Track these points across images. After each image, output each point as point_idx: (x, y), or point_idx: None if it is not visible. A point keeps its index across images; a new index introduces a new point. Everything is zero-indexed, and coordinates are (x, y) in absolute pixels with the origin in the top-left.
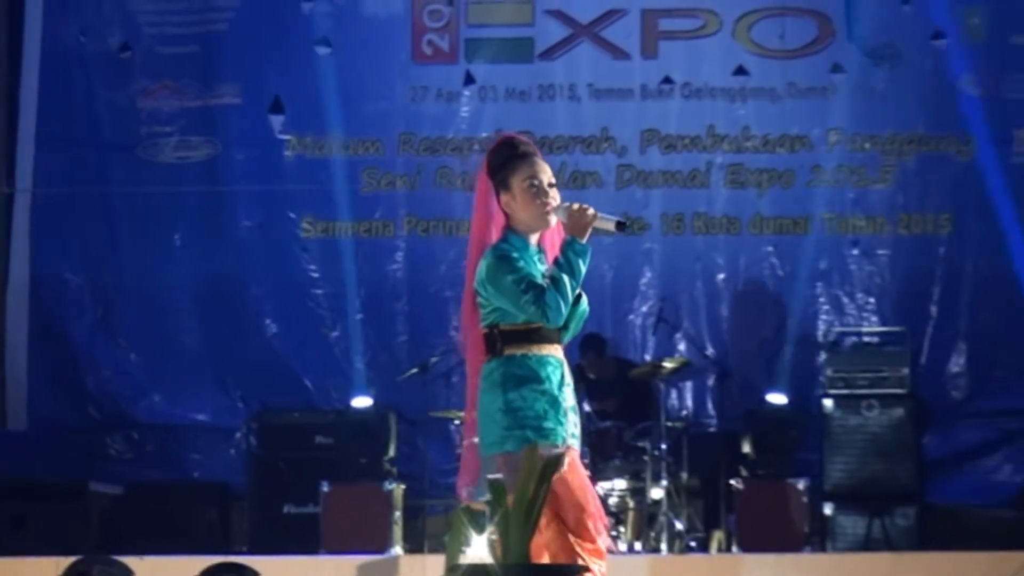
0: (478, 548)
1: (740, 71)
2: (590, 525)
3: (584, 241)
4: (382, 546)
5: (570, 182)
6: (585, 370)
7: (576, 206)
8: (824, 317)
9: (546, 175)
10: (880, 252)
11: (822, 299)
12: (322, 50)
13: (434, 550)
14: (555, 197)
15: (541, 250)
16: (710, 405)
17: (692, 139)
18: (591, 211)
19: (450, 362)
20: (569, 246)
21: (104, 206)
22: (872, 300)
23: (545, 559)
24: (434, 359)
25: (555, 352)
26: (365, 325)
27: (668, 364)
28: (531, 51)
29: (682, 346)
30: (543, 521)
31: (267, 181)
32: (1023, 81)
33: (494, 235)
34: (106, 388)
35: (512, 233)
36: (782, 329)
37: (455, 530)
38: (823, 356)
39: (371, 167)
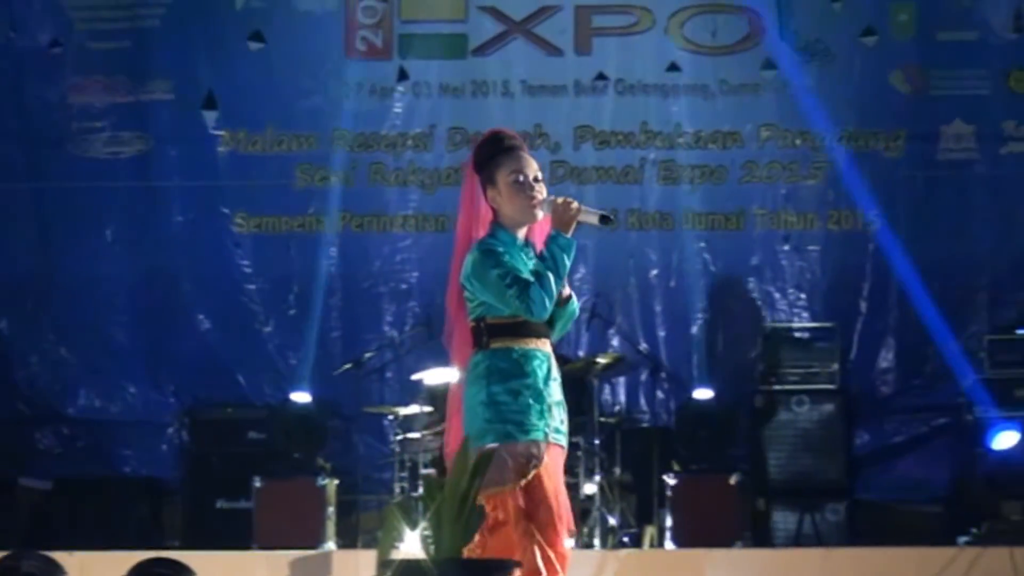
0: (411, 543)
1: (673, 68)
2: (559, 528)
3: (569, 235)
4: (315, 541)
5: None
6: None
7: (560, 200)
8: (755, 313)
9: (531, 169)
10: (811, 248)
11: (754, 294)
12: (255, 46)
13: (367, 545)
14: (541, 191)
15: (530, 245)
16: (643, 400)
17: (625, 135)
18: (575, 204)
19: (384, 358)
20: (553, 240)
21: (35, 201)
22: (803, 296)
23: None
24: (368, 355)
25: (542, 346)
26: (299, 320)
27: (601, 360)
28: (465, 47)
29: (615, 341)
30: (511, 519)
31: (200, 176)
32: (950, 78)
33: (481, 230)
34: (36, 383)
35: (499, 228)
36: (714, 324)
37: (388, 525)
38: (754, 351)
39: (305, 163)
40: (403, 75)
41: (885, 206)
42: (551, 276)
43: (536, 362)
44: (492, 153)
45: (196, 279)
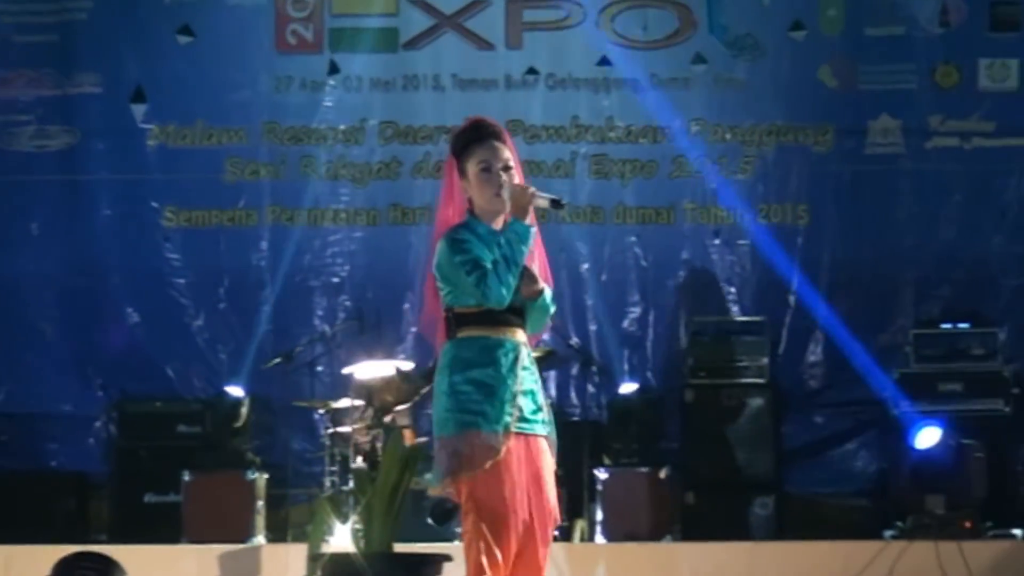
0: (341, 537)
1: (604, 62)
2: (511, 523)
3: (526, 222)
4: (244, 535)
5: (435, 172)
6: None
7: (517, 185)
8: (686, 307)
9: (500, 158)
10: (741, 242)
11: (684, 289)
12: (184, 39)
13: (297, 539)
14: (512, 180)
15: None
16: (574, 394)
17: (556, 129)
18: (531, 190)
19: (314, 351)
20: (510, 227)
21: None
22: (733, 290)
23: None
24: (298, 348)
25: (511, 335)
26: (229, 314)
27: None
28: (396, 41)
29: (546, 335)
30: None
31: (128, 170)
32: (878, 73)
33: (458, 220)
34: None
35: (472, 217)
36: (645, 318)
37: (318, 519)
38: (685, 345)
39: (235, 156)
40: (334, 69)
41: (813, 200)
42: (506, 263)
43: (502, 351)
44: (466, 143)
45: (124, 273)
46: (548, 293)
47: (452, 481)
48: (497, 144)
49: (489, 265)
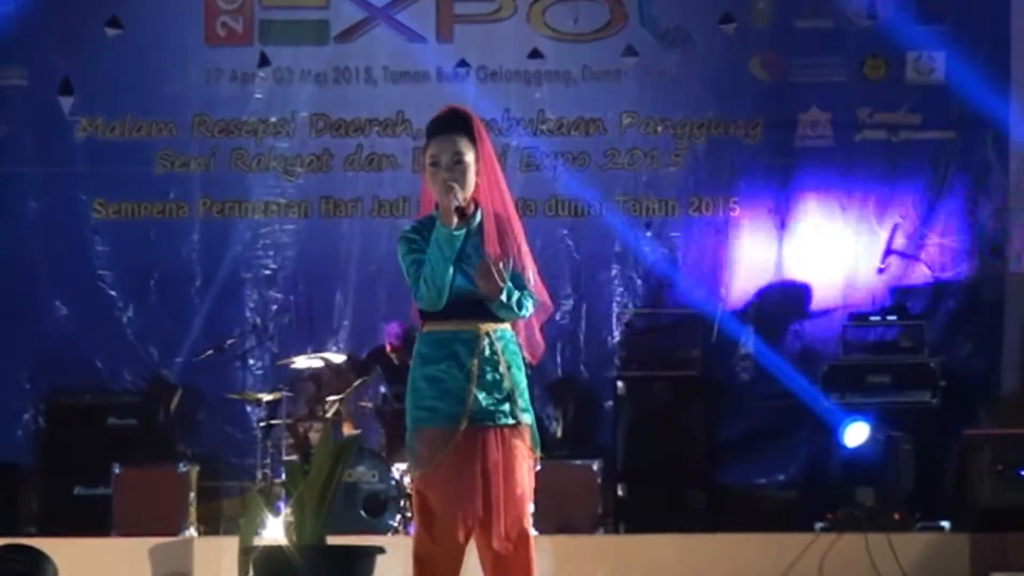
0: (273, 530)
1: (535, 54)
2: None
3: (449, 224)
4: (176, 528)
5: (367, 164)
6: (389, 353)
7: (446, 184)
8: (618, 299)
9: (447, 152)
10: (673, 234)
11: (616, 281)
12: (112, 31)
13: (229, 532)
14: (461, 172)
15: (476, 231)
16: None
17: (488, 122)
18: (454, 190)
19: (246, 344)
20: (437, 230)
21: None
22: (665, 282)
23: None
24: (230, 341)
25: (471, 327)
26: (159, 307)
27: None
28: (327, 33)
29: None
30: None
31: (56, 163)
32: (807, 66)
33: (426, 213)
34: None
35: (437, 211)
36: (577, 311)
37: (250, 512)
38: (617, 338)
39: (165, 148)
40: (264, 61)
41: (744, 193)
42: (430, 267)
43: (458, 344)
44: (427, 136)
45: (52, 266)
46: (507, 296)
47: (412, 477)
48: (453, 137)
49: (420, 259)
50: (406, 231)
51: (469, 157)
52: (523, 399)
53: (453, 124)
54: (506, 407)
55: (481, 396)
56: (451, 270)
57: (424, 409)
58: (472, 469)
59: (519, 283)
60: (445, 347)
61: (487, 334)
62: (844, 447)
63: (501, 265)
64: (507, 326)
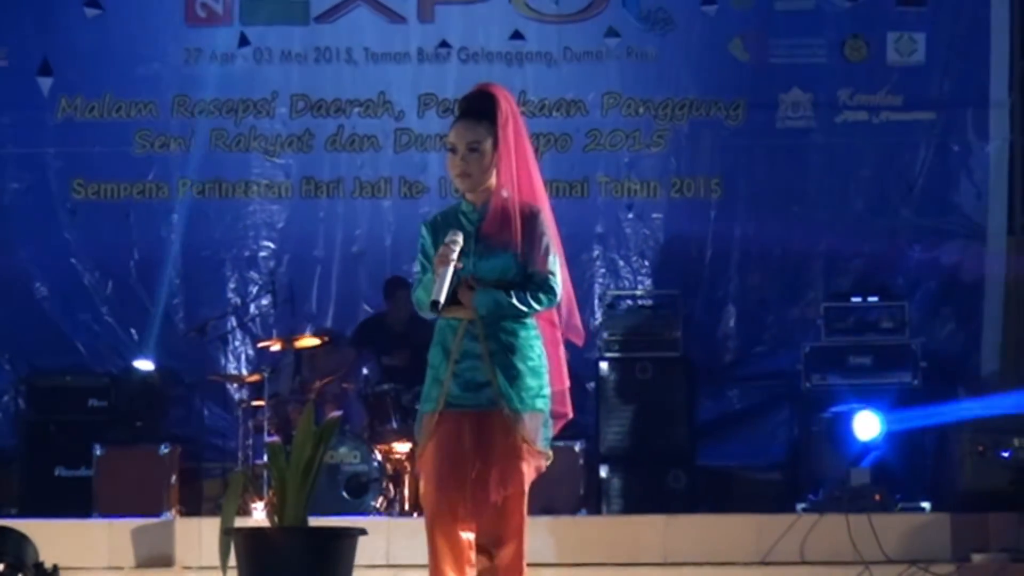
0: (255, 511)
1: (517, 35)
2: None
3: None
4: (157, 509)
5: (348, 145)
6: (386, 318)
7: (445, 248)
8: (600, 280)
9: (463, 139)
10: (654, 216)
11: (598, 262)
12: (92, 12)
13: (211, 513)
14: (474, 161)
15: (482, 215)
16: None
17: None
18: (449, 269)
19: (227, 325)
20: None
21: None
22: (647, 263)
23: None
24: (211, 322)
25: (460, 313)
26: (139, 288)
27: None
28: (307, 13)
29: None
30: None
31: (35, 144)
32: (789, 47)
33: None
34: None
35: (461, 196)
36: None
37: (232, 493)
38: (599, 319)
39: (144, 129)
40: (244, 41)
41: (726, 174)
42: (424, 288)
43: (447, 331)
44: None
45: (32, 247)
46: (475, 306)
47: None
48: (472, 123)
49: (422, 277)
50: (425, 224)
51: (486, 145)
52: (517, 387)
53: (477, 108)
54: (485, 393)
55: (456, 381)
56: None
57: (424, 395)
58: (449, 453)
59: (522, 274)
60: (439, 333)
61: (471, 321)
62: (825, 426)
63: (452, 255)
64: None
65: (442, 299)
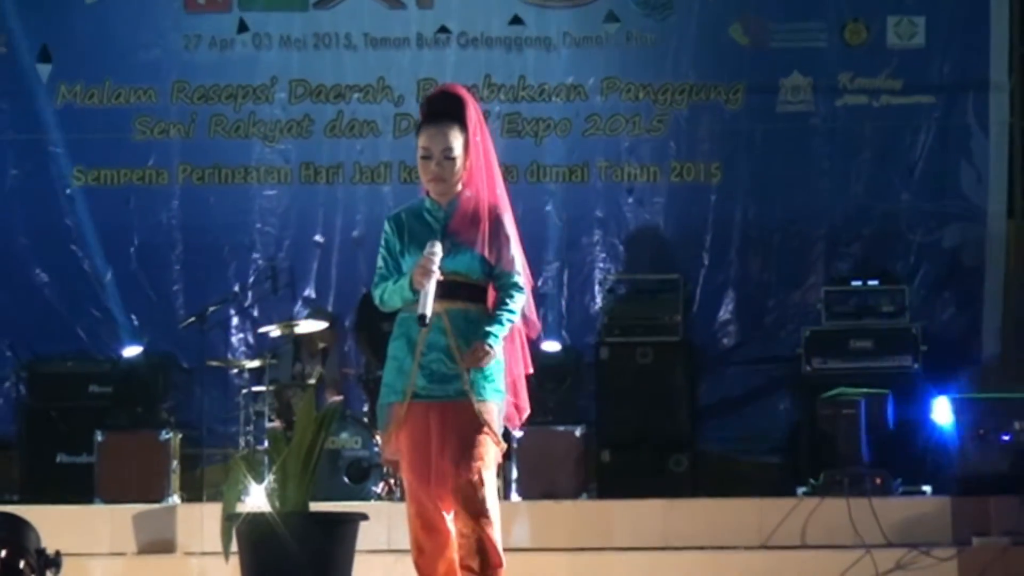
0: (256, 497)
1: (516, 20)
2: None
3: (418, 289)
4: (159, 495)
5: (347, 131)
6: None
7: (426, 261)
8: (600, 265)
9: (437, 146)
10: (655, 200)
11: (598, 247)
12: None
13: (212, 499)
14: (449, 167)
15: (449, 213)
16: None
17: (469, 89)
18: (431, 283)
19: (228, 311)
20: (408, 282)
21: None
22: (646, 248)
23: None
24: (212, 308)
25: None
26: (139, 274)
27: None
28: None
29: None
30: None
31: (35, 130)
32: (788, 31)
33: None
34: None
35: (425, 195)
36: (559, 277)
37: (233, 479)
38: (599, 303)
39: (144, 115)
40: (243, 27)
41: (726, 158)
42: (387, 291)
43: (411, 323)
44: (421, 119)
45: (32, 233)
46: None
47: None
48: (444, 128)
49: (384, 273)
50: (389, 220)
51: (458, 149)
52: (483, 378)
53: (445, 111)
54: (453, 385)
55: (422, 373)
56: (403, 305)
57: (386, 385)
58: (419, 442)
59: (487, 271)
60: (402, 326)
61: (437, 314)
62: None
63: (432, 266)
64: (468, 305)
65: (428, 312)
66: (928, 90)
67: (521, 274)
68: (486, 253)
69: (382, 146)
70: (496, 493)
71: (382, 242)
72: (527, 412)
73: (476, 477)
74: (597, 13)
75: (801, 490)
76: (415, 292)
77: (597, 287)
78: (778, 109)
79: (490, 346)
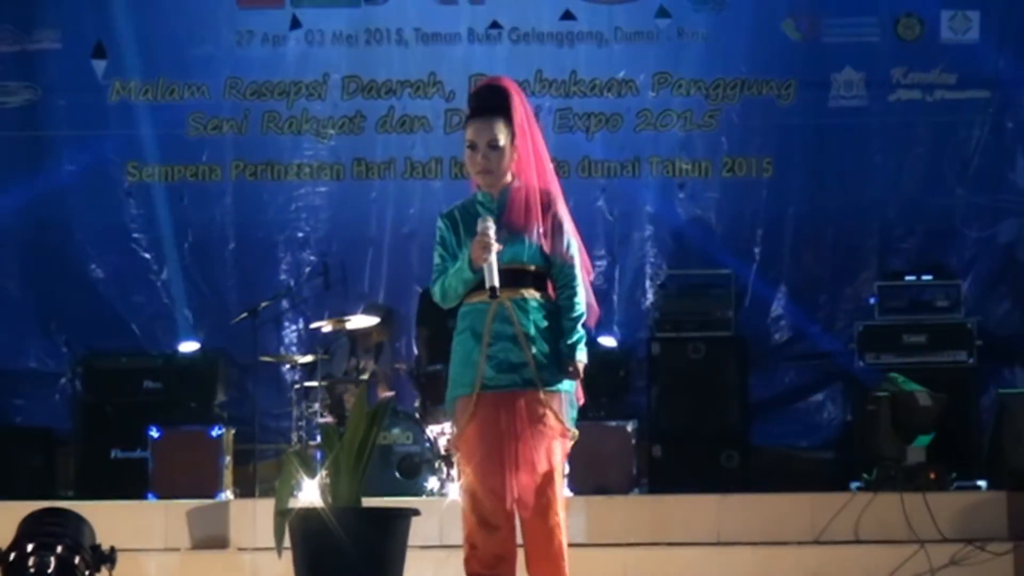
0: (308, 492)
1: (568, 16)
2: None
3: (475, 271)
4: (212, 491)
5: (398, 126)
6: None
7: (479, 237)
8: (652, 260)
9: (482, 136)
10: (706, 195)
11: (650, 242)
12: None
13: (265, 495)
14: (496, 159)
15: (501, 204)
16: None
17: (520, 84)
18: (491, 258)
19: (280, 307)
20: (467, 264)
21: None
22: (698, 243)
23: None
24: (264, 304)
25: (486, 297)
26: (193, 270)
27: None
28: None
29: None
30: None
31: (90, 126)
32: (840, 26)
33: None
34: None
35: (480, 194)
36: (611, 272)
37: (286, 474)
38: (651, 299)
39: (197, 111)
40: (296, 23)
41: (778, 153)
42: (447, 283)
43: (476, 315)
44: (468, 113)
45: (88, 229)
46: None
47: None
48: (489, 120)
49: (446, 266)
50: (443, 217)
51: (504, 140)
52: (550, 367)
53: (490, 104)
54: (521, 373)
55: (490, 364)
56: (467, 290)
57: (452, 379)
58: (490, 435)
59: (542, 260)
60: (465, 319)
61: (500, 304)
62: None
63: (490, 240)
64: (530, 294)
65: (497, 283)
66: (982, 84)
67: (578, 263)
68: (541, 240)
69: (433, 141)
70: (564, 489)
71: (437, 239)
72: (581, 402)
73: (546, 471)
74: (649, 8)
75: (854, 485)
76: (475, 272)
77: (648, 282)
78: (830, 104)
79: (580, 361)
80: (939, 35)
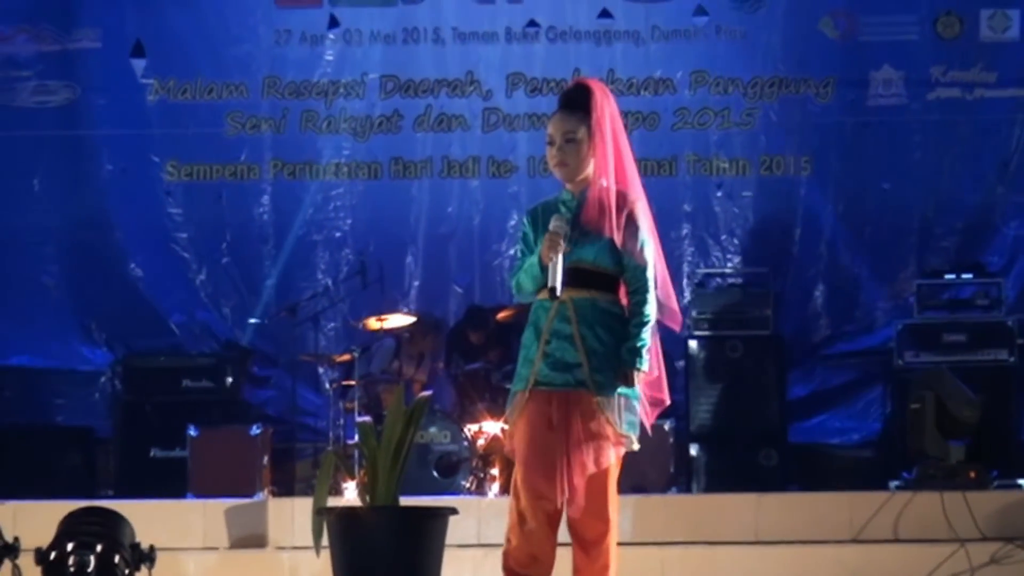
0: (347, 491)
1: (605, 14)
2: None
3: (547, 261)
4: (251, 490)
5: (436, 125)
6: (469, 336)
7: (550, 236)
8: (689, 259)
9: (559, 130)
10: (744, 194)
11: (687, 241)
12: None
13: (303, 493)
14: (571, 152)
15: (580, 203)
16: None
17: (558, 82)
18: (557, 258)
19: (318, 305)
20: (533, 259)
21: None
22: (736, 241)
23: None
24: (302, 302)
25: (545, 296)
26: (232, 268)
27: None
28: None
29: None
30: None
31: (129, 125)
32: (879, 24)
33: None
34: None
35: (564, 188)
36: None
37: (323, 473)
38: (688, 297)
39: (235, 111)
40: (334, 22)
41: (816, 152)
42: (523, 277)
43: (540, 312)
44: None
45: (127, 228)
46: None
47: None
48: (567, 114)
49: (526, 262)
50: (527, 213)
51: (580, 134)
52: (605, 369)
53: (572, 101)
54: (574, 373)
55: (546, 361)
56: (536, 287)
57: (517, 374)
58: (538, 432)
59: (615, 261)
60: (533, 314)
61: (562, 302)
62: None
63: (559, 241)
64: (596, 295)
65: (559, 285)
66: (1022, 83)
67: (650, 263)
68: (615, 240)
69: (471, 140)
70: (615, 492)
71: (520, 235)
72: (667, 403)
73: (595, 474)
74: (686, 6)
75: (894, 484)
76: (544, 270)
77: (686, 281)
78: (869, 103)
79: (638, 370)
80: (978, 33)
